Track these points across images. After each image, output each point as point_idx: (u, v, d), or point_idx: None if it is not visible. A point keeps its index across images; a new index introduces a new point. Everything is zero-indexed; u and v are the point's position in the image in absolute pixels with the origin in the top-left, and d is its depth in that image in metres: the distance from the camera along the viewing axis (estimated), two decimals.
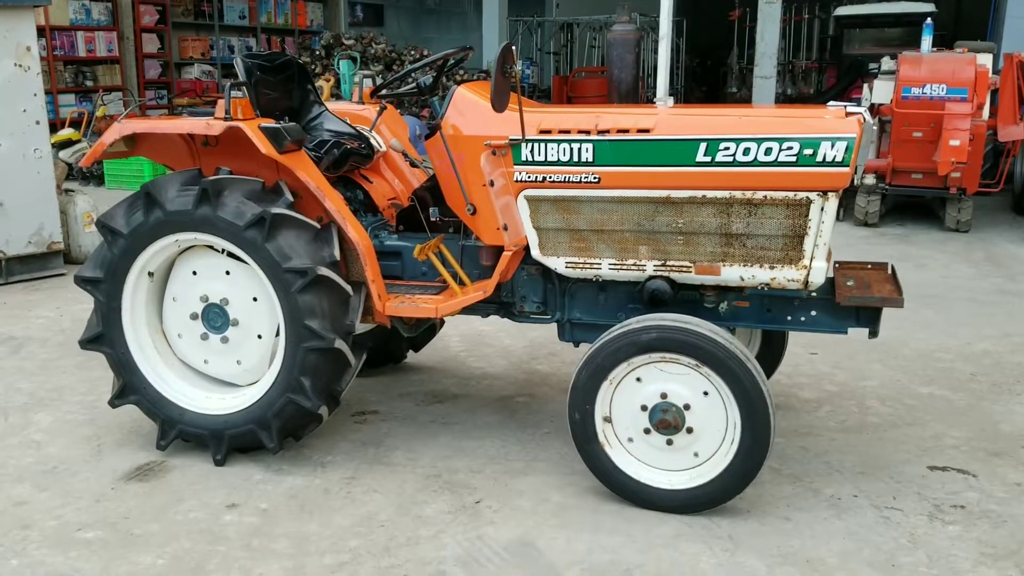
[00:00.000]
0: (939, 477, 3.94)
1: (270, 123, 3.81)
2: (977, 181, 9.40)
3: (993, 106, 9.54)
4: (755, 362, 3.44)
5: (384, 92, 4.39)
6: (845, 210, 10.06)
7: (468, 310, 4.02)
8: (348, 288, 3.84)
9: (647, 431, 3.55)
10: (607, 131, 3.59)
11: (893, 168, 9.54)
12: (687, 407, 3.49)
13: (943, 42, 10.95)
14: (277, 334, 3.91)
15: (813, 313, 3.80)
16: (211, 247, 3.97)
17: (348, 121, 4.50)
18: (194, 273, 4.02)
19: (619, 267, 3.74)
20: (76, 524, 3.60)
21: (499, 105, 3.47)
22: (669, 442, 3.54)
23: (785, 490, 3.81)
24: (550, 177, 3.67)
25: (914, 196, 10.00)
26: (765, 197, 3.45)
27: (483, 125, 3.74)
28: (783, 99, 16.68)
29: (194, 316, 4.03)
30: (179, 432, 4.08)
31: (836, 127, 3.37)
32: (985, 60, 9.53)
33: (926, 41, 9.85)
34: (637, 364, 3.52)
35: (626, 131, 3.57)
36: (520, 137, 3.65)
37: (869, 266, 4.10)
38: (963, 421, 4.54)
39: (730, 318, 3.84)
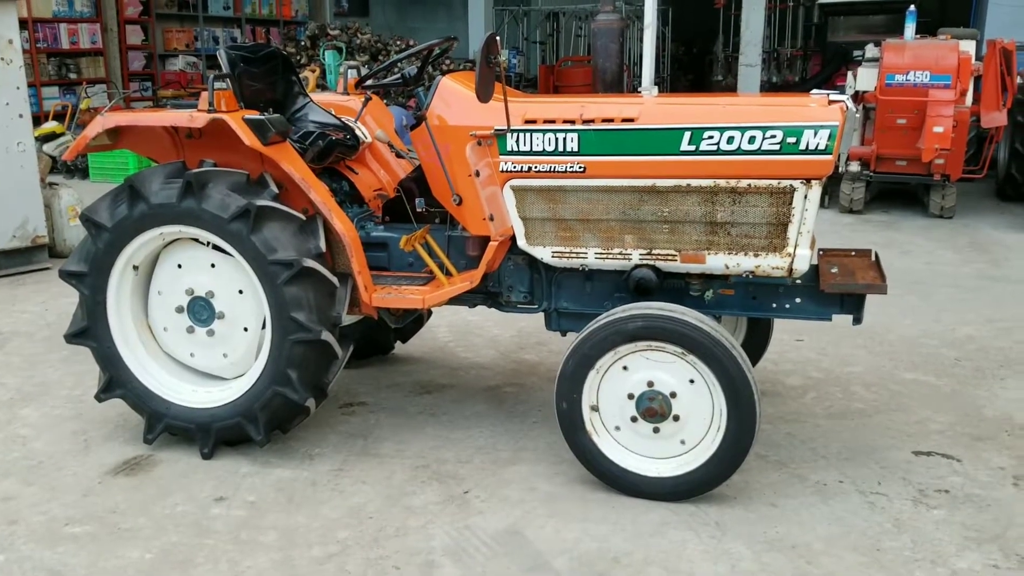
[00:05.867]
0: (924, 462, 3.97)
1: (254, 115, 3.80)
2: (961, 167, 9.45)
3: (976, 92, 9.57)
4: (740, 349, 3.45)
5: (369, 83, 4.38)
6: (830, 197, 10.09)
7: (455, 300, 4.02)
8: (334, 280, 3.84)
9: (634, 419, 3.57)
10: (592, 121, 3.59)
11: (877, 155, 9.58)
12: (673, 395, 3.50)
13: (926, 29, 10.97)
14: (263, 326, 3.91)
15: (798, 300, 3.82)
16: (196, 240, 3.96)
17: (333, 112, 4.48)
18: (179, 266, 4.00)
19: (605, 256, 3.75)
20: (63, 519, 3.59)
21: (484, 95, 3.48)
22: (656, 430, 3.56)
23: (771, 476, 3.84)
24: (535, 167, 3.68)
25: (898, 183, 10.05)
26: (749, 185, 3.47)
27: (468, 115, 3.74)
28: (768, 87, 16.71)
29: (180, 309, 4.02)
30: (166, 426, 4.07)
31: (819, 115, 3.38)
32: (968, 47, 9.56)
33: (909, 28, 9.88)
34: (623, 353, 3.53)
35: (611, 120, 3.58)
36: (505, 127, 3.65)
37: (853, 253, 4.12)
38: (947, 406, 4.58)
39: (715, 306, 3.86)
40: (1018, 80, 9.56)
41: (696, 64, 23.97)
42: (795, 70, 18.87)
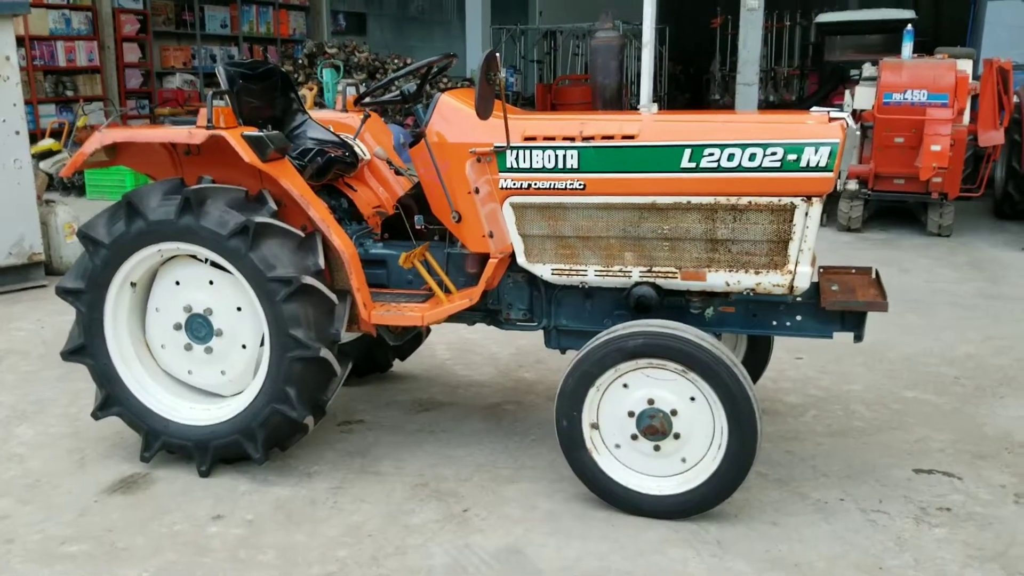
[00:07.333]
0: (925, 480, 3.95)
1: (253, 131, 3.79)
2: (958, 186, 9.46)
3: (973, 111, 9.61)
4: (741, 367, 3.44)
5: (367, 100, 4.38)
6: (828, 216, 10.09)
7: (454, 318, 4.01)
8: (333, 297, 3.82)
9: (634, 437, 3.55)
10: (592, 138, 3.59)
11: (875, 174, 9.59)
12: (674, 413, 3.49)
13: (923, 48, 11.03)
14: (262, 344, 3.88)
15: (798, 318, 3.81)
16: (194, 257, 3.94)
17: (332, 129, 4.48)
18: (177, 283, 3.99)
19: (605, 273, 3.74)
20: (60, 538, 3.56)
21: (483, 112, 3.47)
22: (656, 448, 3.54)
23: (772, 495, 3.81)
24: (535, 184, 3.67)
25: (896, 201, 10.06)
26: (750, 203, 3.46)
27: (468, 132, 3.73)
28: (765, 106, 16.76)
29: (177, 326, 4.00)
30: (163, 443, 4.04)
31: (819, 132, 3.39)
32: (965, 66, 9.59)
33: (907, 47, 9.92)
34: (624, 370, 3.51)
35: (611, 138, 3.58)
36: (505, 144, 3.65)
37: (853, 271, 4.12)
38: (948, 424, 4.56)
39: (716, 323, 3.85)
40: (1015, 99, 9.61)
41: (693, 83, 24.10)
42: (792, 89, 18.94)
